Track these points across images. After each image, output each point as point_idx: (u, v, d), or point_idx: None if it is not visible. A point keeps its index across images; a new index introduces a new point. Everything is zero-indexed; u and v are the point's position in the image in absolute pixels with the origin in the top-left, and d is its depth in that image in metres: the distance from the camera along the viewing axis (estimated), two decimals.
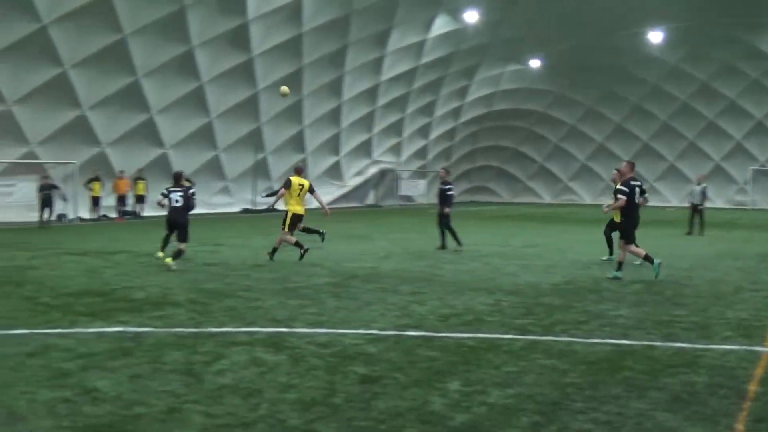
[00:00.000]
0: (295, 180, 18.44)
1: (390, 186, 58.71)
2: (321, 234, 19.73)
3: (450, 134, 63.15)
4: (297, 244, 18.11)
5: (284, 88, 21.73)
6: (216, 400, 6.79)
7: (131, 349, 8.70)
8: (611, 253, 18.61)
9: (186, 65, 35.94)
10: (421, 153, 61.68)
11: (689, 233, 28.18)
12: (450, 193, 21.51)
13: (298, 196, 18.36)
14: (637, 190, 15.60)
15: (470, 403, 6.83)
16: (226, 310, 11.36)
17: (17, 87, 30.85)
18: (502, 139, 67.40)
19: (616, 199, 15.76)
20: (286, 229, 18.23)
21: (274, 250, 18.41)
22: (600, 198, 65.33)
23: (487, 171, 68.75)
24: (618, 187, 15.99)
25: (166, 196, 17.17)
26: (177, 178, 17.71)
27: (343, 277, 15.16)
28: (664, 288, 14.19)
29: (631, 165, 16.15)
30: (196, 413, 6.44)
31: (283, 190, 18.35)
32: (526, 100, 62.48)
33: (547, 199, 65.93)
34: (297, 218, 18.33)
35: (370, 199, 57.11)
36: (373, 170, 55.82)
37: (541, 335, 9.78)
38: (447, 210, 21.23)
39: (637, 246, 15.62)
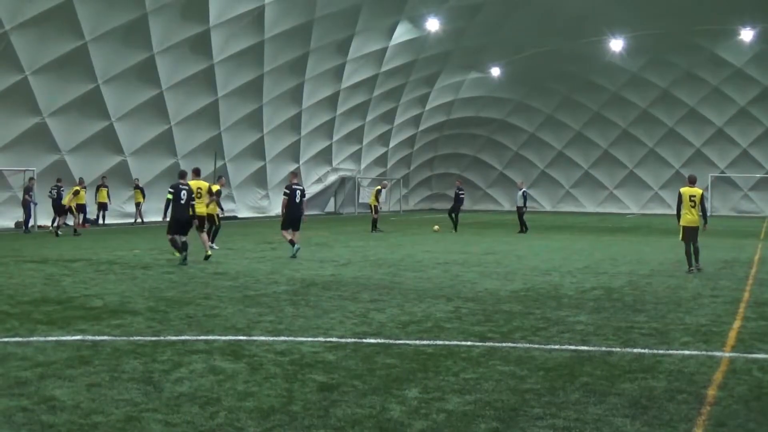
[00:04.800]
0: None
1: (350, 193, 58.55)
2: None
3: (410, 142, 63.23)
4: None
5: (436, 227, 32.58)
6: (174, 409, 6.73)
7: (89, 357, 8.59)
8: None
9: (147, 72, 35.64)
10: (381, 160, 61.75)
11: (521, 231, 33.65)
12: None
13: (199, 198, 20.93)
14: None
15: (429, 410, 6.81)
16: (184, 318, 11.27)
17: None
18: (461, 146, 67.42)
19: None
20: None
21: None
22: (558, 205, 65.64)
23: (447, 178, 68.38)
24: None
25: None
26: (182, 176, 19.81)
27: (302, 285, 15.11)
28: (623, 294, 14.29)
29: None
30: (155, 422, 6.38)
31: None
32: (485, 108, 62.68)
33: (506, 206, 65.92)
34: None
35: (330, 206, 57.11)
36: (333, 178, 55.71)
37: (500, 342, 9.80)
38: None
39: None
